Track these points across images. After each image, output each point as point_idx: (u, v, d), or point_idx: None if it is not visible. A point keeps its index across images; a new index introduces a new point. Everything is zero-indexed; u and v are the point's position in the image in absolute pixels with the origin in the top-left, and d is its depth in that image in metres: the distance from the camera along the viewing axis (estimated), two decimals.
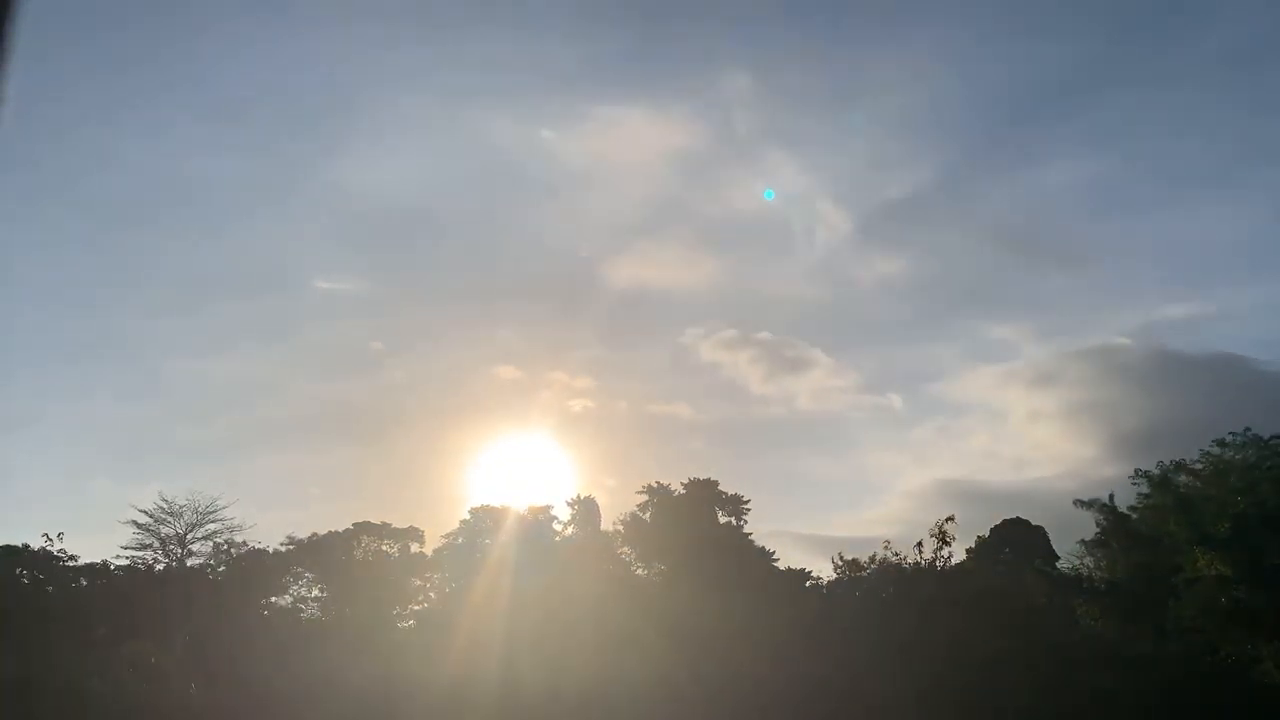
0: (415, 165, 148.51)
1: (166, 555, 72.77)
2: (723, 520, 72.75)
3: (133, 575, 71.03)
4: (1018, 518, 76.01)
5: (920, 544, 62.43)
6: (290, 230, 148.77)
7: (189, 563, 72.92)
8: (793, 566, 71.95)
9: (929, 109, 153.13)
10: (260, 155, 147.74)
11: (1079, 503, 65.95)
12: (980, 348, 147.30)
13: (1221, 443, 60.92)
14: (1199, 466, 61.82)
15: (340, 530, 75.02)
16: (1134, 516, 64.33)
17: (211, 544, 73.14)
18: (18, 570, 70.39)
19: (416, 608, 75.17)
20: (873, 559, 64.56)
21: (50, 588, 69.91)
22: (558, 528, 75.49)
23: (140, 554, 72.27)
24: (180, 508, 72.50)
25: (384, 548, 75.28)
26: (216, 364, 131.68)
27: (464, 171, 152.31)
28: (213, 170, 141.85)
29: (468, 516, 76.53)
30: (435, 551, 75.36)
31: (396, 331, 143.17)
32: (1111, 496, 64.99)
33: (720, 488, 73.58)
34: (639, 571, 72.27)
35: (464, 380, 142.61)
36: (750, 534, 72.63)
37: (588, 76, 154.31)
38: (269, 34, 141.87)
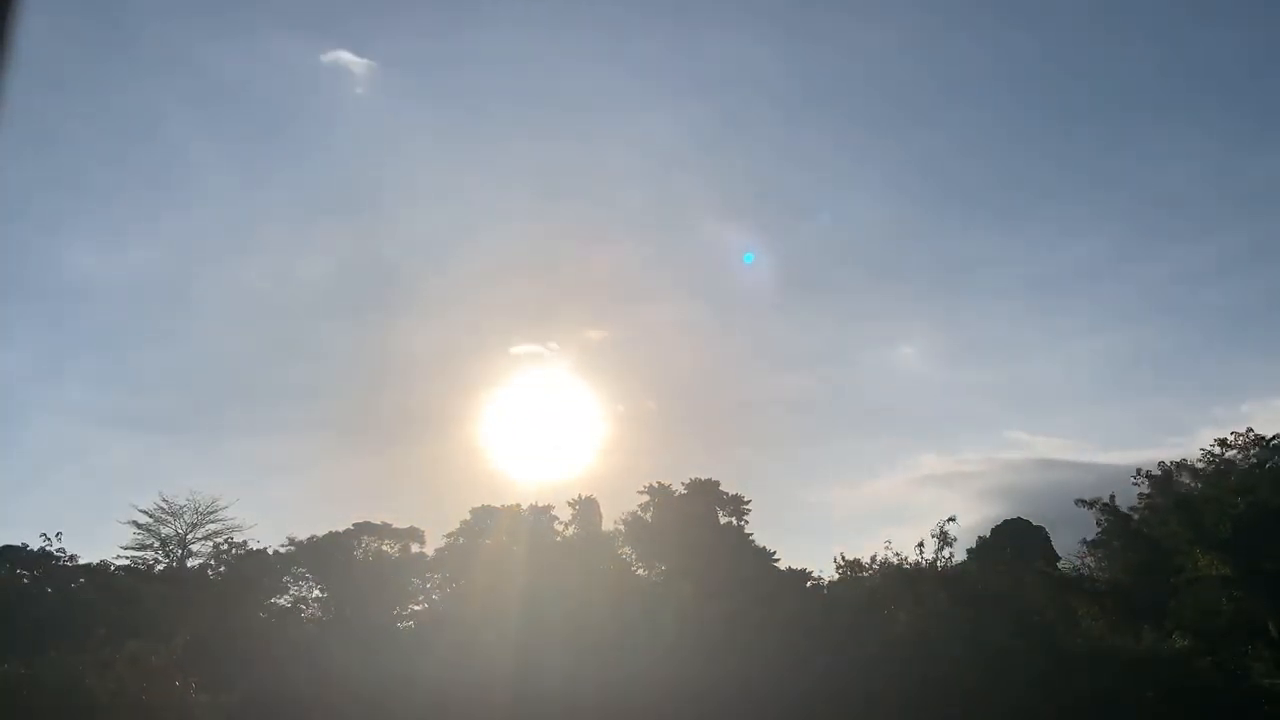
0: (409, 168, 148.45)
1: (166, 555, 72.78)
2: (723, 520, 72.68)
3: (133, 575, 70.93)
4: (1018, 517, 75.90)
5: (921, 544, 62.51)
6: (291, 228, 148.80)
7: (189, 563, 72.89)
8: (793, 566, 71.94)
9: None
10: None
11: (1080, 502, 66.00)
12: None
13: (1223, 442, 60.98)
14: (1200, 466, 61.84)
15: (340, 530, 75.00)
16: (1135, 516, 64.38)
17: (211, 544, 73.20)
18: (17, 570, 70.37)
19: (416, 608, 75.01)
20: (873, 559, 64.61)
21: (49, 588, 69.84)
22: (558, 528, 75.41)
23: (140, 554, 72.35)
24: (180, 508, 72.63)
25: (384, 548, 75.17)
26: (215, 364, 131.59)
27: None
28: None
29: (468, 516, 76.50)
30: (435, 551, 75.29)
31: (398, 330, 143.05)
32: (1112, 496, 65.04)
33: (721, 488, 73.57)
34: (640, 571, 72.18)
35: (465, 379, 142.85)
36: (751, 534, 72.58)
37: None
38: None
